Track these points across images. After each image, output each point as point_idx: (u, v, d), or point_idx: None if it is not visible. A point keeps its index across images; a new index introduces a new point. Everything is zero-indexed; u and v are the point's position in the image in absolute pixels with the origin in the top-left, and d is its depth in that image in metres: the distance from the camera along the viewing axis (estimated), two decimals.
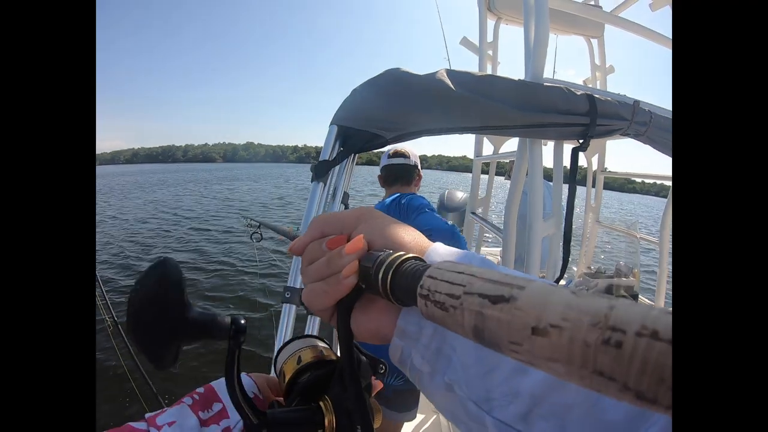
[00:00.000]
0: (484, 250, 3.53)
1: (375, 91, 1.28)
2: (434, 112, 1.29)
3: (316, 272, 0.42)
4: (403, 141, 1.35)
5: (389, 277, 0.35)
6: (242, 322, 0.43)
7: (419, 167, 2.23)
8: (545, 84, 1.43)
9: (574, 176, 1.71)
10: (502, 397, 0.34)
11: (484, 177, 2.67)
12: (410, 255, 0.37)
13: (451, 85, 1.25)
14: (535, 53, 1.47)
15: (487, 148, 2.55)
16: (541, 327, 0.22)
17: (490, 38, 2.34)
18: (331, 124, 1.28)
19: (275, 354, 0.59)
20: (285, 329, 1.15)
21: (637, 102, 1.60)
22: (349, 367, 0.43)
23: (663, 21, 1.97)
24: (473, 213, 2.64)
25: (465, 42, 2.40)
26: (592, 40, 2.79)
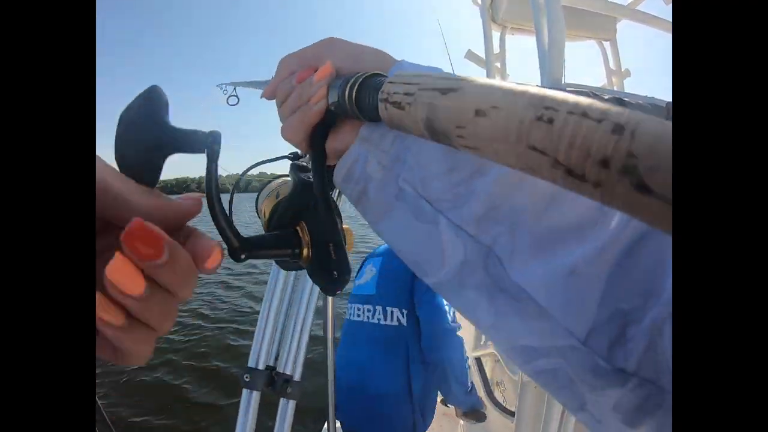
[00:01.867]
0: None
1: None
2: None
3: (289, 107, 0.42)
4: None
5: (354, 92, 0.36)
6: (218, 131, 0.38)
7: None
8: (568, 90, 1.20)
9: None
10: (457, 198, 0.33)
11: None
12: (375, 72, 0.37)
13: None
14: (551, 55, 1.25)
15: None
16: (483, 108, 0.23)
17: (496, 49, 2.14)
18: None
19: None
20: (246, 422, 0.88)
21: (669, 104, 1.37)
22: (321, 190, 0.43)
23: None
24: None
25: (470, 55, 2.19)
26: (604, 43, 2.56)
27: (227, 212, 0.40)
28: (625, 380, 0.27)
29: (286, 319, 0.95)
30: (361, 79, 0.36)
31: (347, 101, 0.36)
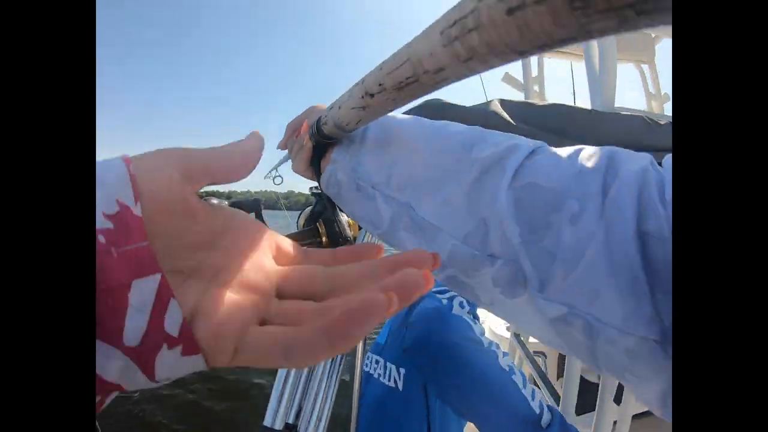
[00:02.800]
0: None
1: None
2: None
3: (294, 151, 0.61)
4: None
5: (316, 128, 0.52)
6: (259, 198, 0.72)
7: None
8: (621, 113, 1.07)
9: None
10: (387, 180, 0.50)
11: None
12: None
13: (509, 119, 0.90)
14: (603, 76, 1.12)
15: None
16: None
17: (534, 73, 2.03)
18: None
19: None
20: None
21: None
22: (327, 199, 0.74)
23: None
24: None
25: (507, 78, 2.08)
26: (642, 66, 2.43)
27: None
28: (494, 261, 0.40)
29: (311, 369, 0.82)
30: (318, 119, 0.52)
31: (316, 135, 0.53)
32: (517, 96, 2.03)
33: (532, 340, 2.25)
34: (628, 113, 1.09)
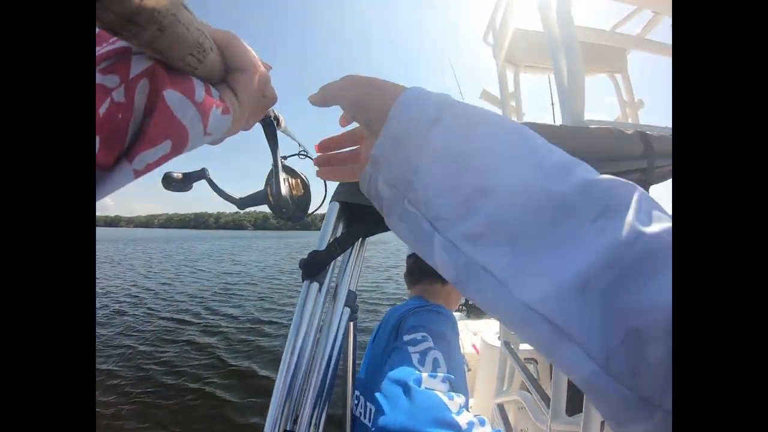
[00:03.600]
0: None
1: None
2: None
3: (339, 159, 0.59)
4: None
5: None
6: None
7: None
8: (591, 126, 1.12)
9: None
10: (457, 216, 0.33)
11: None
12: None
13: None
14: (571, 91, 1.17)
15: None
16: None
17: (511, 88, 2.08)
18: (332, 200, 0.95)
19: None
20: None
21: None
22: (274, 159, 0.74)
23: None
24: None
25: (485, 95, 2.12)
26: (615, 75, 2.49)
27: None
28: (652, 412, 0.25)
29: (308, 375, 0.85)
30: None
31: None
32: (496, 112, 2.07)
33: (522, 347, 2.28)
34: (597, 126, 1.13)
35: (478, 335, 3.86)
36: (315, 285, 0.86)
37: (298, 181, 0.82)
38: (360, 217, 0.95)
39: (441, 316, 1.13)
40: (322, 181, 0.84)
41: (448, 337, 1.03)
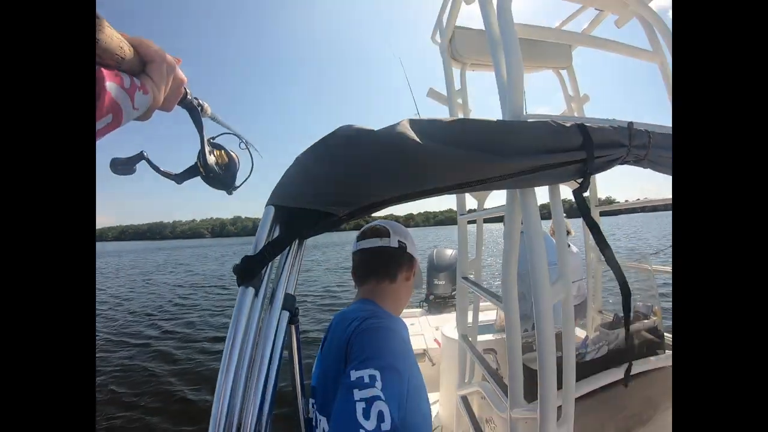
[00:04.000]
0: (485, 316, 3.10)
1: (322, 157, 0.96)
2: (398, 174, 0.96)
3: None
4: (363, 216, 1.02)
5: None
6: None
7: (410, 250, 1.32)
8: (529, 120, 1.14)
9: (593, 224, 1.42)
10: None
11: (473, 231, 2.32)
12: None
13: (417, 138, 0.94)
14: (511, 87, 1.19)
15: (471, 203, 2.23)
16: None
17: (458, 86, 2.10)
18: (267, 204, 0.94)
19: None
20: None
21: (631, 124, 1.33)
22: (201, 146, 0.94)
23: (632, 39, 1.76)
24: (464, 278, 2.22)
25: (432, 93, 2.13)
26: (561, 71, 2.56)
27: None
28: None
29: (248, 382, 0.83)
30: None
31: None
32: (443, 109, 2.09)
33: (480, 338, 2.31)
34: (535, 119, 1.16)
35: (439, 329, 3.91)
36: (250, 290, 0.85)
37: (223, 152, 0.96)
38: (296, 220, 0.94)
39: (391, 334, 1.02)
40: (250, 156, 1.11)
41: (400, 368, 0.92)
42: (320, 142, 0.95)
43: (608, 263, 1.35)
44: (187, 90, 0.78)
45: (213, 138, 0.96)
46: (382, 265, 1.28)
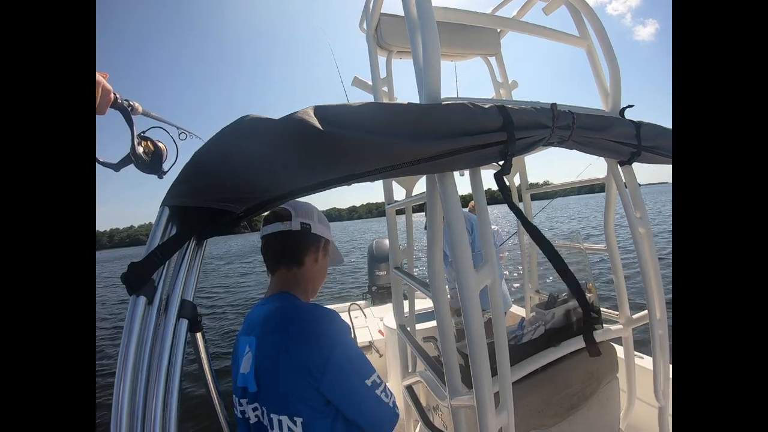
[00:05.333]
0: (422, 303, 3.07)
1: (218, 151, 0.85)
2: (301, 164, 0.87)
3: None
4: (264, 212, 0.94)
5: None
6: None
7: (317, 230, 1.25)
8: (444, 103, 1.08)
9: (515, 208, 1.38)
10: None
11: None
12: None
13: (319, 125, 0.85)
14: (427, 69, 1.12)
15: (399, 192, 2.16)
16: None
17: (383, 74, 2.02)
18: (162, 205, 0.84)
19: None
20: None
21: (554, 105, 1.30)
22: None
23: (560, 26, 1.76)
24: (396, 269, 2.15)
25: (357, 82, 2.05)
26: (490, 58, 2.54)
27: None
28: None
29: (147, 395, 0.73)
30: None
31: None
32: (368, 97, 2.02)
33: (419, 326, 2.27)
34: (452, 102, 1.10)
35: (383, 319, 3.88)
36: (142, 299, 0.75)
37: (149, 142, 1.05)
38: (190, 220, 0.84)
39: (333, 327, 1.11)
40: (175, 146, 1.18)
41: (353, 357, 1.11)
42: (217, 134, 0.85)
43: (538, 244, 1.32)
44: (117, 95, 0.90)
45: (144, 131, 1.06)
46: (287, 251, 1.23)
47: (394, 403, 1.18)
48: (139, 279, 0.75)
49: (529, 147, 1.25)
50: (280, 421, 1.03)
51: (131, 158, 1.00)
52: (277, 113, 0.88)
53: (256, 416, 1.09)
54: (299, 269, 1.24)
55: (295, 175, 0.87)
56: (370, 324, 4.72)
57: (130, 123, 0.99)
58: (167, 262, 0.79)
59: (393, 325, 3.28)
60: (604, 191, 1.95)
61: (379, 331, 4.26)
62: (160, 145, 1.11)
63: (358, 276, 16.03)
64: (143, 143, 1.07)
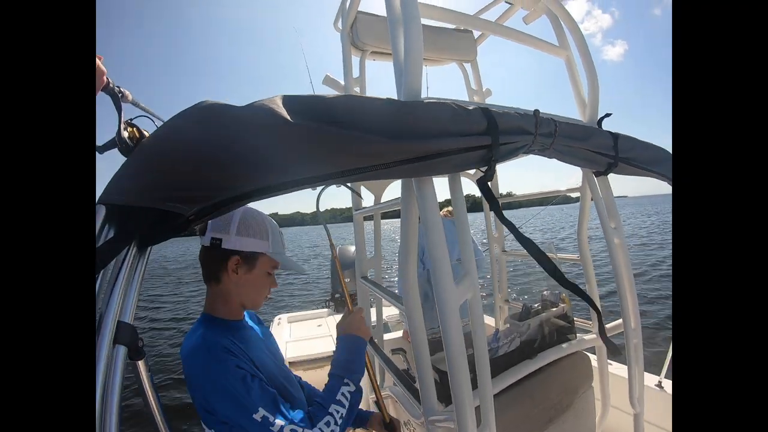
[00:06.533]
0: (389, 312, 2.95)
1: (167, 142, 0.72)
2: (266, 159, 0.74)
3: None
4: (217, 215, 0.80)
5: None
6: None
7: (233, 243, 1.12)
8: (426, 101, 0.98)
9: (502, 215, 1.30)
10: None
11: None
12: None
13: (288, 116, 0.73)
14: (408, 67, 1.01)
15: (368, 198, 2.03)
16: None
17: (356, 73, 1.92)
18: (98, 203, 0.67)
19: None
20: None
21: (537, 111, 1.22)
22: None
23: (542, 33, 1.70)
24: (363, 278, 2.01)
25: (328, 80, 1.92)
26: (465, 64, 2.47)
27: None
28: None
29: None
30: None
31: None
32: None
33: (387, 337, 2.17)
34: (435, 101, 1.01)
35: None
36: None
37: (135, 129, 0.99)
38: (131, 222, 0.70)
39: (213, 365, 0.98)
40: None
41: (228, 386, 0.95)
42: (168, 122, 0.72)
43: (532, 255, 1.23)
44: (110, 80, 0.88)
45: (132, 119, 1.04)
46: (204, 267, 1.17)
47: None
48: None
49: (512, 153, 1.17)
50: None
51: (116, 142, 0.96)
52: (234, 101, 0.75)
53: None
54: (218, 285, 1.15)
55: (256, 173, 0.74)
56: (333, 333, 4.47)
57: (119, 108, 0.96)
58: (101, 273, 0.64)
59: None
60: (570, 203, 1.91)
61: None
62: (145, 133, 1.07)
63: (320, 283, 15.68)
64: (129, 129, 1.03)
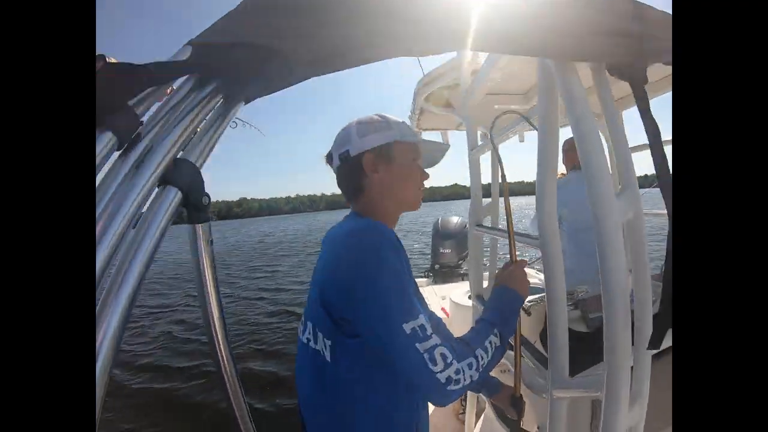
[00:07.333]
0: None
1: None
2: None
3: None
4: (330, 71, 0.61)
5: None
6: None
7: (361, 144, 1.00)
8: None
9: (652, 123, 1.02)
10: None
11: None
12: None
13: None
14: None
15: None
16: None
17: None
18: (187, 44, 0.56)
19: None
20: None
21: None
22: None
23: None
24: (478, 226, 1.73)
25: None
26: None
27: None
28: None
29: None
30: None
31: None
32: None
33: None
34: None
35: (446, 298, 3.50)
36: (107, 136, 0.44)
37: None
38: (218, 64, 0.58)
39: (368, 255, 0.83)
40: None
41: (386, 282, 0.80)
42: None
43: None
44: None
45: None
46: (345, 190, 1.08)
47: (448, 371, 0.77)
48: (129, 129, 0.47)
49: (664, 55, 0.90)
50: (318, 336, 0.92)
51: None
52: None
53: (300, 328, 1.01)
54: (363, 196, 1.04)
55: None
56: (431, 302, 4.24)
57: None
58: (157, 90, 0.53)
59: (462, 300, 2.93)
60: None
61: (442, 309, 3.79)
62: None
63: (414, 258, 14.97)
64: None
